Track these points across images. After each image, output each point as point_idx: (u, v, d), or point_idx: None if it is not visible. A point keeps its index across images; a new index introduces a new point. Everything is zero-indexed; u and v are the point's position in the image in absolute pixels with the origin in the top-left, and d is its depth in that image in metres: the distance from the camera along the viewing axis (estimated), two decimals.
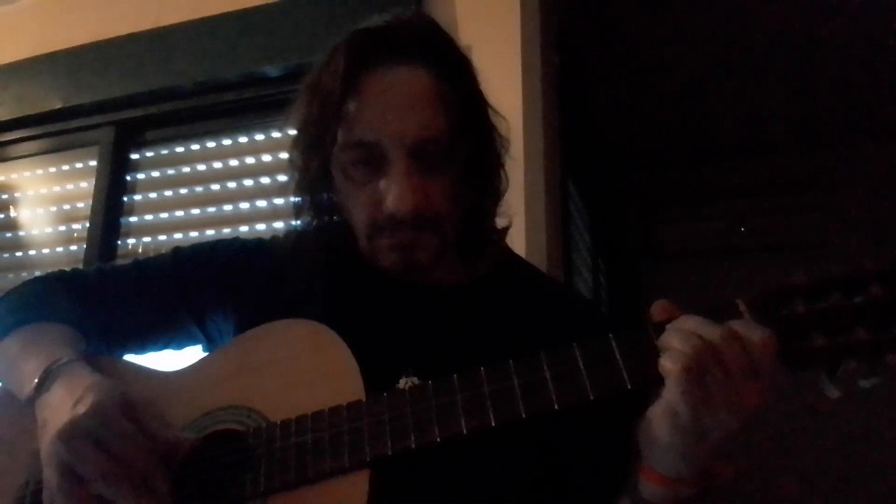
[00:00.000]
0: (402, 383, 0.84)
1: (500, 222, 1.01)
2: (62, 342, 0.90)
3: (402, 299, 0.93)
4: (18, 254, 2.38)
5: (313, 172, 0.92)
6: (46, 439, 0.78)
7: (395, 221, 0.85)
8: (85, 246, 2.21)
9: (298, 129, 0.93)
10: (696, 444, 0.69)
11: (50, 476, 0.77)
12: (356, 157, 0.87)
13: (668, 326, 0.70)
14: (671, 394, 0.67)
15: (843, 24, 2.56)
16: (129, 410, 0.77)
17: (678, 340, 0.68)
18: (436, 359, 0.86)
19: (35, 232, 2.38)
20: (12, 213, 2.43)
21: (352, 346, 0.83)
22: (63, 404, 0.79)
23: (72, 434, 0.75)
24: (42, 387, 0.84)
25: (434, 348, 0.88)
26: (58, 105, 2.31)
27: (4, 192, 2.45)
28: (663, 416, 0.68)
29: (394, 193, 0.84)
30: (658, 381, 0.69)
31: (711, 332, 0.67)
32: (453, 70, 0.90)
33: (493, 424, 0.73)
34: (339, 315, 0.89)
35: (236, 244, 1.03)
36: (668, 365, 0.67)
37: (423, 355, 0.86)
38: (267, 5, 2.14)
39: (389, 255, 0.88)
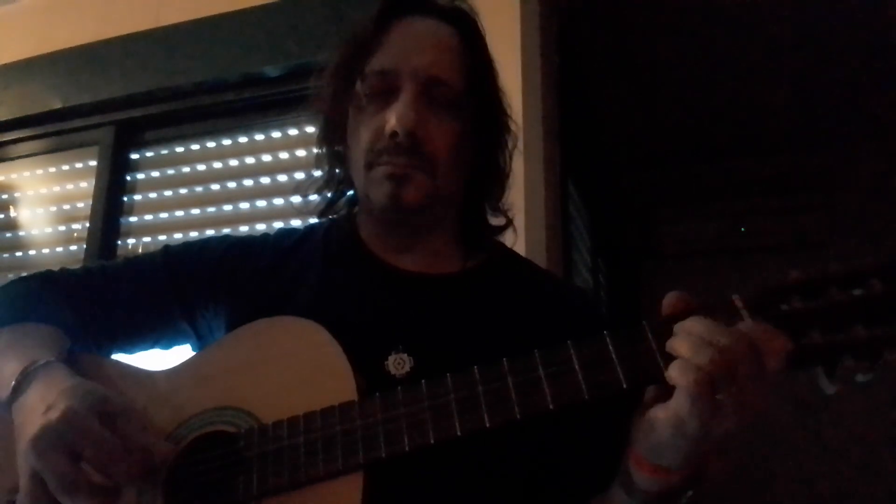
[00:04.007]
0: (391, 360, 0.84)
1: (503, 219, 1.03)
2: (43, 343, 0.89)
3: (395, 283, 0.94)
4: (18, 254, 2.39)
5: (338, 116, 0.97)
6: (21, 445, 0.77)
7: (394, 147, 0.88)
8: (85, 246, 2.21)
9: (329, 75, 0.98)
10: (699, 446, 0.67)
11: (24, 482, 0.76)
12: (373, 86, 0.91)
13: (675, 328, 0.67)
14: (681, 406, 0.64)
15: (843, 24, 2.56)
16: (105, 416, 0.76)
17: (688, 348, 0.65)
18: (426, 336, 0.86)
19: (35, 232, 2.38)
20: (12, 213, 2.43)
21: (340, 325, 0.83)
22: (36, 409, 0.77)
23: (41, 441, 0.74)
24: (19, 389, 0.82)
25: (424, 327, 0.88)
26: (58, 105, 2.31)
27: (4, 192, 2.45)
28: (668, 423, 0.66)
29: (396, 112, 0.88)
30: (655, 381, 0.68)
31: (723, 339, 0.63)
32: (477, 44, 0.96)
33: (488, 426, 0.72)
34: (327, 297, 0.91)
35: (227, 241, 1.03)
36: (678, 377, 0.64)
37: (414, 334, 0.87)
38: (267, 5, 2.14)
39: (382, 185, 0.89)
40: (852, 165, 3.28)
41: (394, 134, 0.87)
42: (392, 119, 0.88)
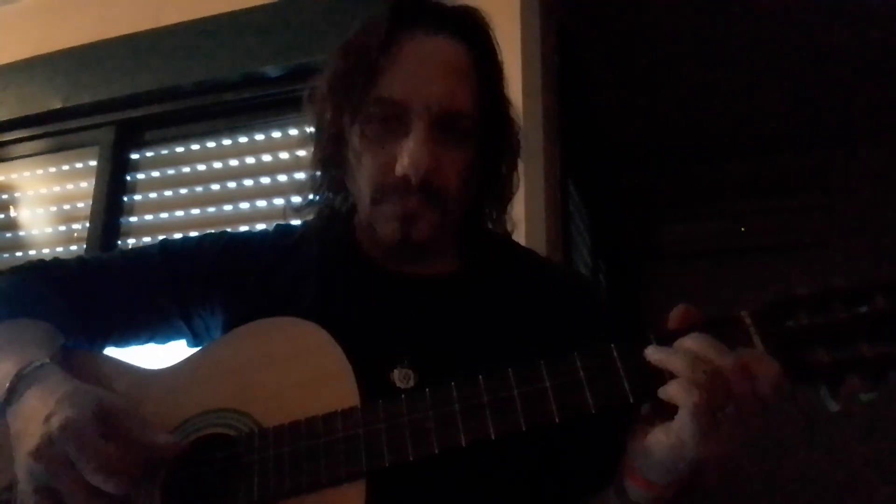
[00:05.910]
0: (397, 374, 0.83)
1: (504, 227, 1.01)
2: (37, 341, 0.87)
3: (395, 290, 0.92)
4: (18, 254, 2.38)
5: (335, 129, 0.91)
6: (21, 453, 0.76)
7: (404, 186, 0.84)
8: (85, 246, 2.21)
9: (328, 84, 0.92)
10: (693, 463, 0.68)
11: (25, 490, 0.75)
12: (378, 113, 0.86)
13: (674, 345, 0.68)
14: (684, 428, 0.65)
15: (843, 25, 2.56)
16: (106, 421, 0.75)
17: (685, 365, 0.65)
18: (430, 349, 0.85)
19: (35, 232, 2.38)
20: (12, 213, 2.43)
21: (344, 336, 0.81)
22: (35, 416, 0.76)
23: (44, 452, 0.73)
24: (14, 393, 0.80)
25: (428, 339, 0.87)
26: (58, 105, 2.31)
27: (4, 192, 2.45)
28: (668, 443, 0.66)
29: (410, 155, 0.83)
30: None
31: (722, 359, 0.65)
32: (489, 58, 0.91)
33: (493, 437, 0.72)
34: (330, 305, 0.89)
35: (225, 238, 1.02)
36: (680, 395, 0.64)
37: (418, 345, 0.85)
38: (267, 5, 2.14)
39: (390, 223, 0.86)
40: (852, 165, 3.28)
41: (406, 177, 0.84)
42: (405, 159, 0.83)
